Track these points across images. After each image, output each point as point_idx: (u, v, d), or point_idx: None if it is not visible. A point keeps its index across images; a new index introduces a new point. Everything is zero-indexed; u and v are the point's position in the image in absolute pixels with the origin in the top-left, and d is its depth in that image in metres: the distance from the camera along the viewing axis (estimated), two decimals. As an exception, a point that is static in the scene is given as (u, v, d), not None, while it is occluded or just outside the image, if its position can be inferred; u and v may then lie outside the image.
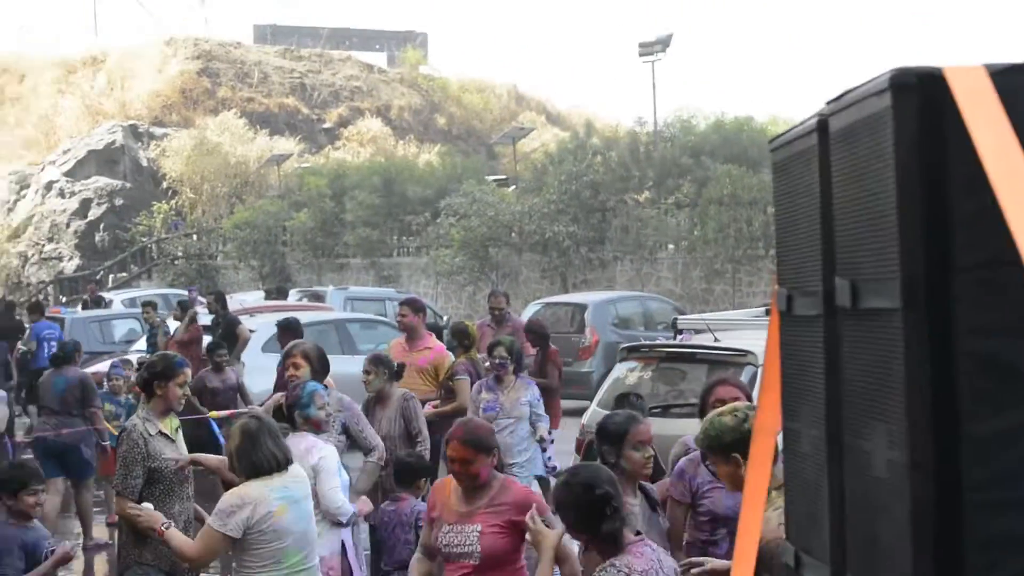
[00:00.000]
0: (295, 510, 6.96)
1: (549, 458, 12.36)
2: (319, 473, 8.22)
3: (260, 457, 6.92)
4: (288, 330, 14.77)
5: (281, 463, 6.97)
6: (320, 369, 9.72)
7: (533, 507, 6.10)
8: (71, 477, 14.26)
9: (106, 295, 34.43)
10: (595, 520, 5.45)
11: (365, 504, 8.97)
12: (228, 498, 6.92)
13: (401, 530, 9.10)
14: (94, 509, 14.55)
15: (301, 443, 8.15)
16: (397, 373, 11.22)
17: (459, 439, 6.72)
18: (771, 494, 5.42)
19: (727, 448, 5.63)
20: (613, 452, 6.75)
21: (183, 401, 8.31)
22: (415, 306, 13.68)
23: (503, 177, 46.61)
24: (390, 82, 66.27)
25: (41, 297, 46.11)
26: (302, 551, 6.99)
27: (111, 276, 47.49)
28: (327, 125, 61.21)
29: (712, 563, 6.05)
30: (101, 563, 13.74)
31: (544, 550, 5.83)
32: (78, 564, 12.88)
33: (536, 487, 11.50)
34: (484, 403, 12.04)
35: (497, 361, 12.04)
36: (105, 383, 15.85)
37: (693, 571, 6.01)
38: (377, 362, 11.06)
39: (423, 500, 8.81)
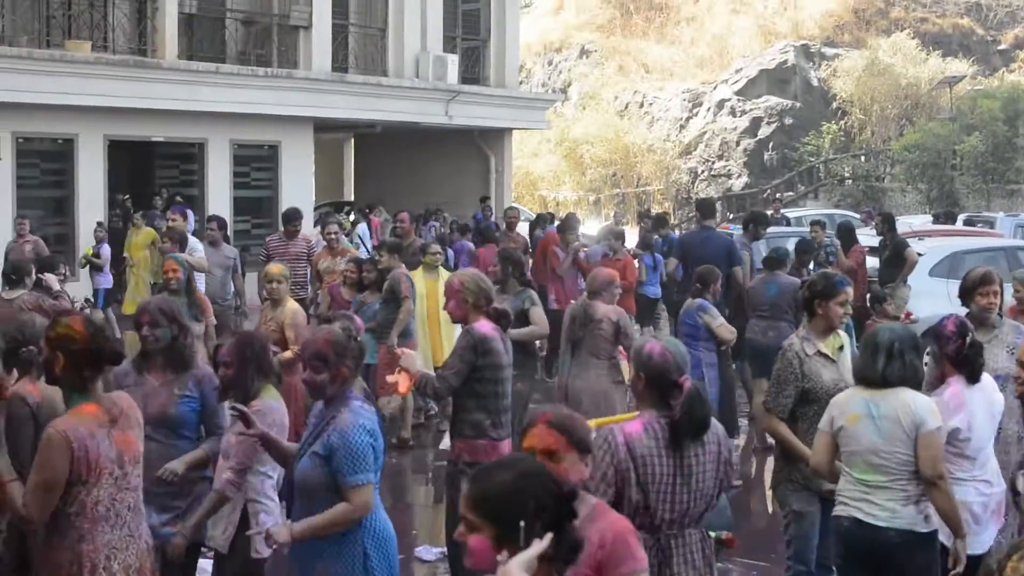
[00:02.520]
0: (868, 424, 6.89)
1: None
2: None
3: (860, 366, 7.05)
4: None
5: (872, 379, 6.92)
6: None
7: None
8: None
9: (787, 213, 34.76)
10: None
11: None
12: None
13: None
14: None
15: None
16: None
17: (546, 422, 4.94)
18: None
19: None
20: None
21: (844, 320, 8.22)
22: None
23: None
24: (1074, 1, 62.93)
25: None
26: (872, 471, 6.88)
27: (777, 195, 47.92)
28: (1002, 47, 58.91)
29: None
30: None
31: None
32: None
33: None
34: None
35: None
36: None
37: None
38: None
39: None
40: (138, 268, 20.52)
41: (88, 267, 22.53)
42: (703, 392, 5.92)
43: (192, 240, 16.64)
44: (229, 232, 19.91)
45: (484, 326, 8.57)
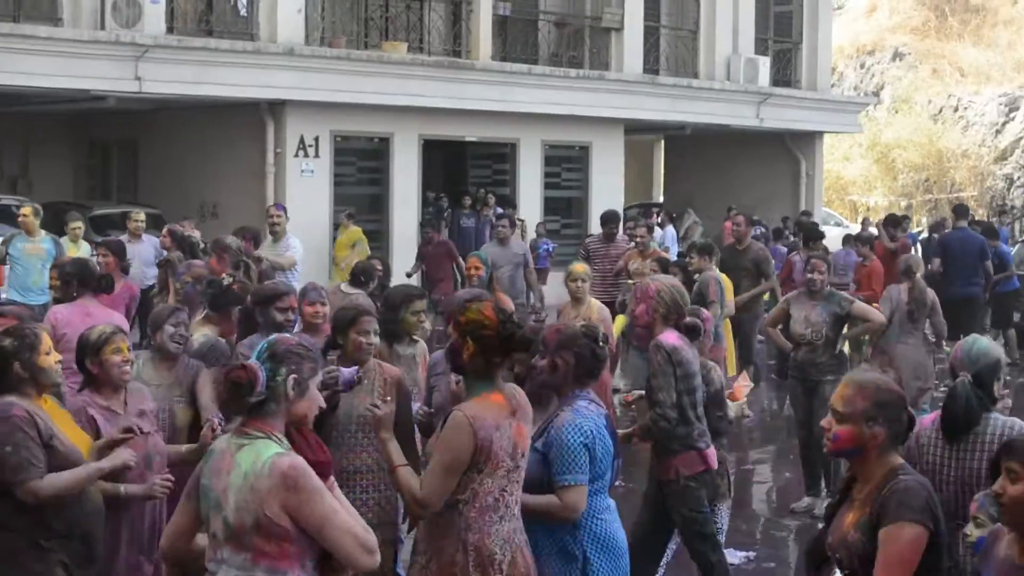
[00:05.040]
0: None
1: None
2: None
3: None
4: None
5: None
6: None
7: None
8: None
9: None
10: None
11: None
12: None
13: None
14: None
15: None
16: None
17: None
18: None
19: None
20: None
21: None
22: None
23: None
24: None
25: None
26: None
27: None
28: None
29: None
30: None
31: None
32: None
33: None
34: None
35: None
36: None
37: None
38: None
39: None
40: (341, 266, 21.09)
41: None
42: (964, 390, 5.98)
43: (289, 237, 15.94)
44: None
45: (670, 337, 8.17)
